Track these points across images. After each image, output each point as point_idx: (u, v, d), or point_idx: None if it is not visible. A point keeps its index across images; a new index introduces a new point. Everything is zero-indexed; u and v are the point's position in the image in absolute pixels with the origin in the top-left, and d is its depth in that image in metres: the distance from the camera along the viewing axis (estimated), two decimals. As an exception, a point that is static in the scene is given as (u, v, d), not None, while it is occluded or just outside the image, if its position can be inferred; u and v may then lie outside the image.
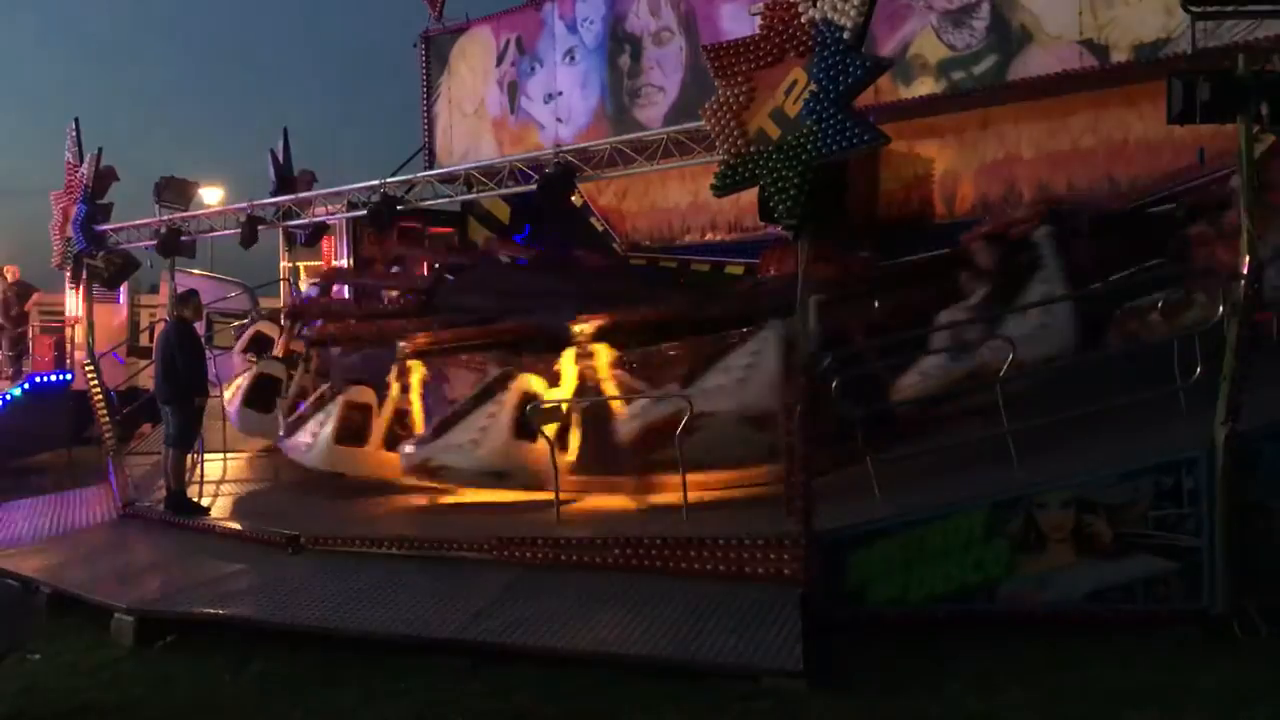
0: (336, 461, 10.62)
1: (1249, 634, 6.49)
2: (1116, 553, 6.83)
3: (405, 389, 10.34)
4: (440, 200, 11.64)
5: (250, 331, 13.35)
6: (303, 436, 10.79)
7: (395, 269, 15.10)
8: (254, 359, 12.63)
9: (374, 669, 6.91)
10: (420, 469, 9.70)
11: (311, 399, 11.11)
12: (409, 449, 9.74)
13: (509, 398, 9.37)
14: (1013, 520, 6.96)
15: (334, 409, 10.59)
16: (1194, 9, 7.15)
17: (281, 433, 11.22)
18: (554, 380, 9.46)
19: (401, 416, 10.29)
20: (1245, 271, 6.68)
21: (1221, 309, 6.95)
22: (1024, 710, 5.77)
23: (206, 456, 11.59)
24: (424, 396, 10.35)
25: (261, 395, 11.82)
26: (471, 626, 7.11)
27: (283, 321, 13.11)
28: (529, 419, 8.97)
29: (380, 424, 10.40)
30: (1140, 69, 10.44)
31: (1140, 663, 6.27)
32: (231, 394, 12.15)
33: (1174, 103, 6.59)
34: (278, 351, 12.56)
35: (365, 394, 10.60)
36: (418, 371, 10.38)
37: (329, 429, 10.51)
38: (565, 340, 9.47)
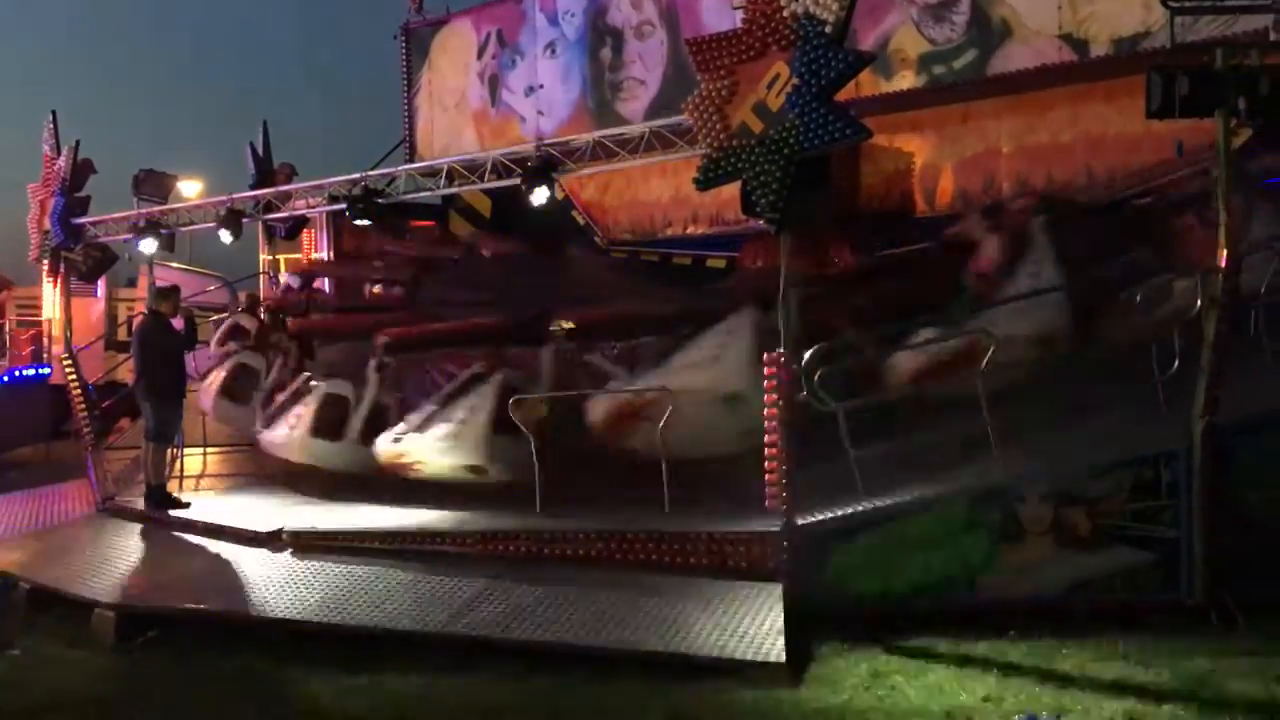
0: (312, 454, 10.57)
1: (1225, 624, 6.56)
2: (1096, 545, 6.90)
3: (382, 382, 10.30)
4: (421, 194, 11.58)
5: (228, 324, 13.27)
6: (279, 429, 10.76)
7: (378, 263, 15.00)
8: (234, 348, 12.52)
9: (356, 664, 6.90)
10: (396, 463, 9.67)
11: (288, 391, 11.06)
12: (385, 443, 9.71)
13: (489, 390, 9.34)
14: (993, 513, 7.01)
15: (311, 401, 10.54)
16: (1172, 4, 7.16)
17: (258, 425, 11.16)
18: (534, 374, 9.45)
19: (378, 410, 10.23)
20: (1223, 265, 6.73)
21: (1200, 302, 7.00)
22: (1003, 700, 5.80)
23: (187, 451, 11.53)
24: (401, 390, 10.29)
25: (238, 386, 11.76)
26: (454, 621, 7.12)
27: (261, 313, 13.03)
28: (510, 413, 8.95)
29: (357, 418, 10.35)
30: (1119, 63, 10.48)
31: (1118, 653, 6.31)
32: (208, 383, 12.06)
33: (1153, 97, 6.62)
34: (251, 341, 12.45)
35: (343, 387, 10.55)
36: (395, 365, 10.33)
37: (306, 422, 10.47)
38: (545, 335, 9.45)
